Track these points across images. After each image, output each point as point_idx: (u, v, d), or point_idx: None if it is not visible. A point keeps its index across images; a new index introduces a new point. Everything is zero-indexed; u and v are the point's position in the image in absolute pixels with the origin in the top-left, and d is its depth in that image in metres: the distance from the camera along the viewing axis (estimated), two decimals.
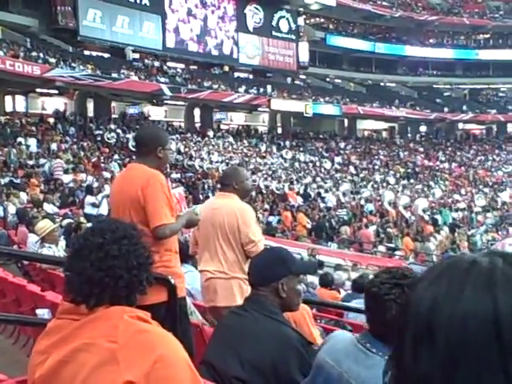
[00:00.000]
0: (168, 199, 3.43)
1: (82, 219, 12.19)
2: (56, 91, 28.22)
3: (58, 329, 1.66)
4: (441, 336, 0.65)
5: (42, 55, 25.57)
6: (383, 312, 2.06)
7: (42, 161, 19.96)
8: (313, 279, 9.15)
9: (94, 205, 15.66)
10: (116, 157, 23.18)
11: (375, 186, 29.03)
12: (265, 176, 26.31)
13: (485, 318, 0.63)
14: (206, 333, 3.55)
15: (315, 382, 2.25)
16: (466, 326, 0.64)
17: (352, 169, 31.58)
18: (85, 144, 23.75)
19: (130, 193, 3.40)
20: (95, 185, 17.05)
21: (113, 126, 26.79)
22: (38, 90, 28.00)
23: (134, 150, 3.66)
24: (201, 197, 20.82)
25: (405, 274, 2.16)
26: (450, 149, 41.22)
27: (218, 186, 20.86)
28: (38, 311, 4.27)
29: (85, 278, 1.64)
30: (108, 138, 25.24)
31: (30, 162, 19.79)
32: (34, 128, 23.88)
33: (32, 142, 21.60)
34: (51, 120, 26.59)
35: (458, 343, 0.64)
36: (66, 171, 19.24)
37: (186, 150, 27.37)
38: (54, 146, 21.79)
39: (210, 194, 19.96)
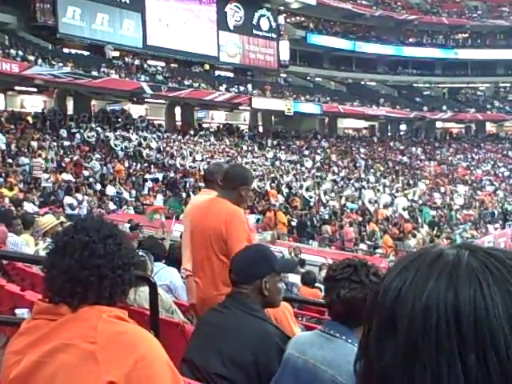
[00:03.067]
0: (248, 235, 3.64)
1: (63, 218, 12.10)
2: (35, 89, 27.93)
3: (35, 329, 1.61)
4: (403, 326, 0.66)
5: (20, 53, 25.27)
6: (338, 290, 2.21)
7: (21, 160, 19.67)
8: (294, 277, 9.17)
9: (72, 206, 15.53)
10: (97, 155, 22.98)
11: (356, 184, 29.15)
12: None
13: (446, 311, 0.64)
14: (187, 331, 3.54)
15: (283, 376, 2.28)
16: (427, 317, 0.65)
17: (333, 167, 31.66)
18: (65, 143, 23.51)
19: (213, 224, 3.59)
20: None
21: (93, 125, 26.55)
22: (17, 87, 27.71)
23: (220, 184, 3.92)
24: (184, 195, 20.79)
25: (357, 258, 2.39)
26: (429, 147, 41.55)
27: (200, 184, 20.57)
28: (18, 311, 4.23)
29: (68, 276, 1.61)
30: (88, 137, 25.00)
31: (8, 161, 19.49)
32: (12, 126, 23.57)
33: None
34: (30, 119, 26.27)
35: (420, 334, 0.65)
36: (45, 170, 19.02)
37: (168, 148, 27.28)
38: (34, 144, 21.48)
39: (191, 193, 19.91)
